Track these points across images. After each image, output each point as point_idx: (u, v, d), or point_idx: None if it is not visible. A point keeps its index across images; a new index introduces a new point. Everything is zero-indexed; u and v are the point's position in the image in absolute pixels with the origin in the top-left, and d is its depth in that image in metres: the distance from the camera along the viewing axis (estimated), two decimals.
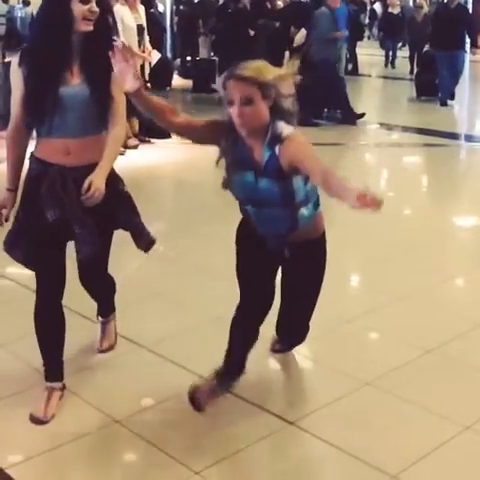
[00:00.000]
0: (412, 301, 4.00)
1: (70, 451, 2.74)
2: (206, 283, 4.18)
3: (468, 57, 11.53)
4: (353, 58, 14.50)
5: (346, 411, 2.93)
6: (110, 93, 2.86)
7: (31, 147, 2.93)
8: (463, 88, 11.94)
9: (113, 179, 2.95)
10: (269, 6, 11.65)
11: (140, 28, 7.84)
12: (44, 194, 2.82)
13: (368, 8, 22.47)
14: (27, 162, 2.94)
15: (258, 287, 2.90)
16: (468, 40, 11.21)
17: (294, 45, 9.93)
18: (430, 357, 3.35)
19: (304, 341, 3.25)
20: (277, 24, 10.91)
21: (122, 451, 2.81)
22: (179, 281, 4.29)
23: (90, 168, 2.83)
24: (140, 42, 7.82)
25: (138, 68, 7.79)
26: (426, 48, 11.83)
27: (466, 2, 16.01)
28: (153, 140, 8.09)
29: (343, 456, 2.65)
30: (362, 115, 9.48)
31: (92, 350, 3.42)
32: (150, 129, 7.64)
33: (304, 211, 2.72)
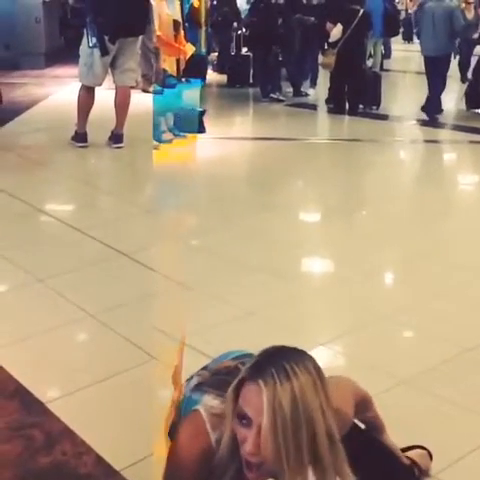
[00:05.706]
0: (449, 298, 3.91)
1: (110, 387, 2.89)
2: (241, 276, 4.14)
3: None
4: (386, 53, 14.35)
5: (381, 409, 2.84)
6: None
7: None
8: None
9: None
10: (304, 1, 11.54)
11: (176, 23, 7.93)
12: None
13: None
14: None
15: None
16: None
17: (330, 40, 9.86)
18: (469, 355, 3.27)
19: None
20: (312, 19, 10.84)
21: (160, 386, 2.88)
22: (213, 274, 4.25)
23: None
24: (176, 36, 7.89)
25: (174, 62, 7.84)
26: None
27: None
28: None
29: None
30: None
31: (127, 285, 3.58)
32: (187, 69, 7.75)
33: None
